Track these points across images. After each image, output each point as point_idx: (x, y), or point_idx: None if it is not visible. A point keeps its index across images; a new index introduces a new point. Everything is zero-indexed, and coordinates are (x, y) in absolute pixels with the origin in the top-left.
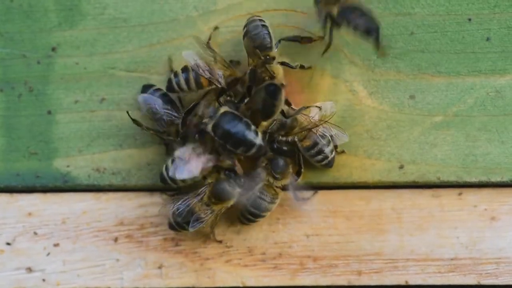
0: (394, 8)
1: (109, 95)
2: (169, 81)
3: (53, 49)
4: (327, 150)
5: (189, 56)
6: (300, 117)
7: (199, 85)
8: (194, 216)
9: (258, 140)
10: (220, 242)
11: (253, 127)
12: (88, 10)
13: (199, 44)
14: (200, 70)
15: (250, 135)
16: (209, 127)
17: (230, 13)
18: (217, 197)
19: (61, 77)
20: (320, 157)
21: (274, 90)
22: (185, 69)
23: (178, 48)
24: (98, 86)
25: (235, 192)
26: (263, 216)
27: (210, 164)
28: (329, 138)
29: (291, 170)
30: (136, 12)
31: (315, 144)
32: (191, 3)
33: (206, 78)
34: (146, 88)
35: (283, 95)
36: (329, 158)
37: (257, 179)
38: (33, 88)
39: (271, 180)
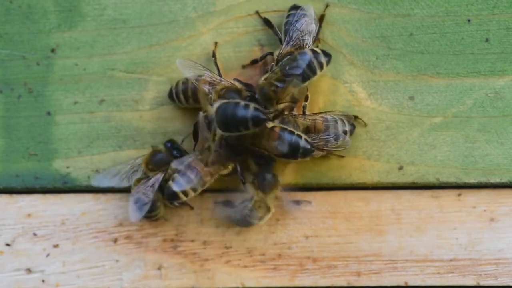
0: (393, 9)
1: (109, 96)
2: (170, 91)
3: (53, 50)
4: (340, 129)
5: (181, 64)
6: (299, 120)
7: (187, 99)
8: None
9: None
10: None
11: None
12: (87, 11)
13: (186, 68)
14: (191, 85)
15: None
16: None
17: (229, 14)
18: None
19: (60, 78)
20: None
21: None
22: (177, 84)
23: (178, 49)
24: (98, 87)
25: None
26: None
27: (208, 178)
28: (336, 119)
29: (280, 181)
30: (136, 13)
31: (327, 128)
32: (190, 4)
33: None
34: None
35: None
36: (346, 137)
37: (245, 195)
38: (33, 89)
39: (260, 195)
